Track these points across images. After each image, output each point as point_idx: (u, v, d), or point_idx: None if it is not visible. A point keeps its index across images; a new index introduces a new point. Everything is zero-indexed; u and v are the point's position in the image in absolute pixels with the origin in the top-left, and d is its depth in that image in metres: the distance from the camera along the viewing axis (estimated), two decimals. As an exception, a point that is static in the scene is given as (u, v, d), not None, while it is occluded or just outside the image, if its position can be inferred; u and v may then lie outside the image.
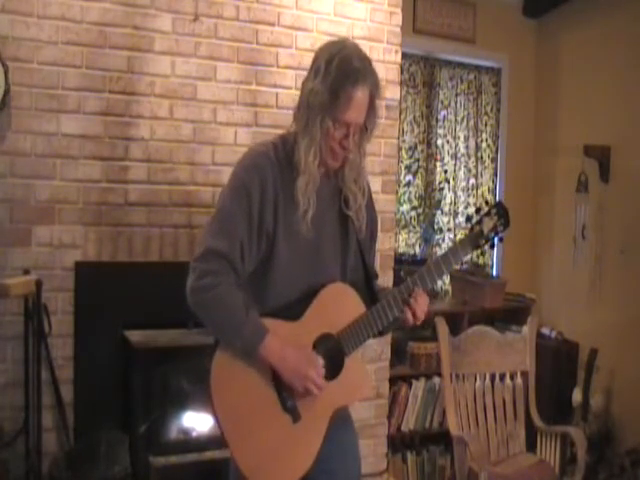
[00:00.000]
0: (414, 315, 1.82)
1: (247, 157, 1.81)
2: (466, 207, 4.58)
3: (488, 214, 1.89)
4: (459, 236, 4.48)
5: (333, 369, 1.79)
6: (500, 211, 1.89)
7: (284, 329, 1.74)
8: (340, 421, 1.87)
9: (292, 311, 1.77)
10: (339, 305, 1.82)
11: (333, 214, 1.86)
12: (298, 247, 1.78)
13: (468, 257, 4.47)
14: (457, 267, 4.28)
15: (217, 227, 1.74)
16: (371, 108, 1.77)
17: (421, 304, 1.82)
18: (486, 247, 1.92)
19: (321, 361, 1.76)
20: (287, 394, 1.75)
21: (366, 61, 1.75)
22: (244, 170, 1.77)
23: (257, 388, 1.74)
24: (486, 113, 4.66)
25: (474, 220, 1.89)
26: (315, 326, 1.78)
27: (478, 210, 1.91)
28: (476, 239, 1.88)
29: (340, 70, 1.69)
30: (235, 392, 1.74)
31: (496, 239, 1.91)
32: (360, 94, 1.71)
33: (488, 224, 1.88)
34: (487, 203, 1.93)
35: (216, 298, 1.69)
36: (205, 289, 1.69)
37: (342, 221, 1.87)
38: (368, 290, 1.90)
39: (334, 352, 1.79)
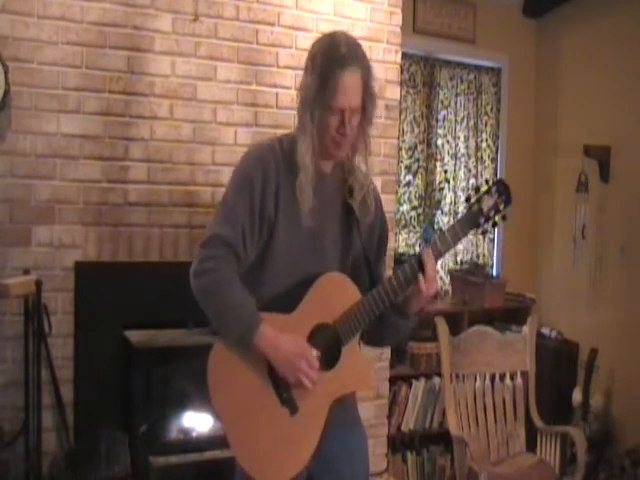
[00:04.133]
0: (425, 275, 1.76)
1: (253, 151, 1.85)
2: (466, 207, 4.57)
3: (488, 192, 1.82)
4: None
5: (330, 359, 1.78)
6: (501, 188, 1.82)
7: (280, 322, 1.74)
8: (350, 422, 1.88)
9: (288, 301, 1.76)
10: (335, 294, 1.80)
11: (336, 209, 1.86)
12: (297, 239, 1.79)
13: (461, 248, 4.48)
14: (449, 257, 4.29)
15: (221, 215, 1.78)
16: (366, 91, 1.76)
17: (432, 262, 1.78)
18: (488, 226, 1.83)
19: (315, 353, 1.74)
20: (283, 387, 1.75)
21: (353, 46, 1.74)
22: (249, 161, 1.81)
23: (254, 382, 1.74)
24: (486, 113, 4.66)
25: (473, 199, 1.82)
26: (311, 316, 1.78)
27: (477, 189, 1.84)
28: (475, 218, 1.81)
29: (326, 59, 1.70)
30: (232, 387, 1.74)
31: (498, 218, 1.83)
32: (348, 78, 1.70)
33: (488, 202, 1.81)
34: (487, 182, 1.87)
35: (216, 282, 1.71)
36: (206, 273, 1.71)
37: (345, 217, 1.87)
38: (371, 287, 1.86)
39: (331, 342, 1.78)
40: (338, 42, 1.73)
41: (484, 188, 1.83)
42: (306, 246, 1.80)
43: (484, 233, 1.89)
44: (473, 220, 1.82)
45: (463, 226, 1.82)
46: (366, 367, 1.90)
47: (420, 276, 1.77)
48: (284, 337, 1.72)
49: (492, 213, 1.82)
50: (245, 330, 1.69)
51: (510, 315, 4.32)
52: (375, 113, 1.82)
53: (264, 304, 1.75)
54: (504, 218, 1.85)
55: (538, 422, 3.23)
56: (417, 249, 4.39)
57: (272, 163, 1.77)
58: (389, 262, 3.44)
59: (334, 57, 1.70)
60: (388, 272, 3.38)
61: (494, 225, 1.85)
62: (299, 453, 1.76)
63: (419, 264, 1.78)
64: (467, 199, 1.85)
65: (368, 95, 1.77)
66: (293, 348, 1.72)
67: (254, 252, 1.77)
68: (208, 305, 1.74)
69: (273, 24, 3.15)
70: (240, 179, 1.79)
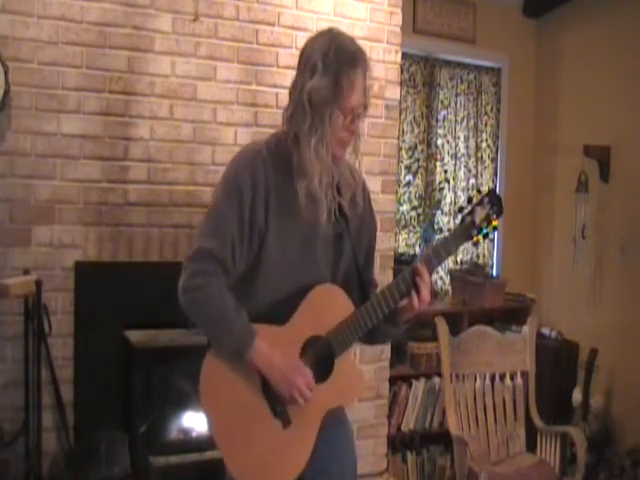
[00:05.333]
0: (419, 294, 1.77)
1: (240, 156, 1.80)
2: (466, 207, 4.57)
3: (480, 203, 1.84)
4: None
5: (323, 371, 1.78)
6: (493, 199, 1.84)
7: (273, 334, 1.72)
8: (335, 421, 1.86)
9: (280, 312, 1.75)
10: (328, 306, 1.80)
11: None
12: (289, 248, 1.77)
13: (461, 248, 4.48)
14: (449, 260, 4.28)
15: (209, 227, 1.74)
16: (367, 87, 1.76)
17: (426, 281, 1.77)
18: (480, 237, 1.85)
19: (309, 373, 1.73)
20: (276, 399, 1.73)
21: (355, 41, 1.76)
22: (236, 169, 1.76)
23: (246, 393, 1.73)
24: (486, 113, 4.66)
25: (466, 210, 1.85)
26: (304, 328, 1.77)
27: (470, 200, 1.86)
28: (468, 230, 1.84)
29: (339, 59, 1.69)
30: (224, 398, 1.73)
31: (490, 229, 1.85)
32: (360, 76, 1.72)
33: (480, 214, 1.83)
34: (479, 192, 1.88)
35: (206, 298, 1.68)
36: (196, 289, 1.68)
37: (336, 217, 1.84)
38: (362, 297, 1.87)
39: (324, 354, 1.77)
40: (343, 40, 1.73)
41: (476, 199, 1.85)
42: (298, 255, 1.78)
43: (476, 244, 1.90)
44: (466, 233, 1.85)
45: (457, 240, 1.85)
46: (359, 378, 1.90)
47: (414, 294, 1.78)
48: (279, 352, 1.71)
49: (484, 225, 1.85)
50: (239, 345, 1.68)
51: (510, 315, 4.31)
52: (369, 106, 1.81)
53: (257, 314, 1.73)
54: (495, 229, 1.86)
55: (538, 422, 3.23)
56: (417, 249, 4.39)
57: (261, 171, 1.73)
58: (389, 262, 3.45)
59: (346, 57, 1.70)
60: (387, 272, 3.40)
61: (485, 237, 1.87)
62: (291, 465, 1.75)
63: (414, 280, 1.78)
64: (459, 210, 1.87)
65: (367, 88, 1.77)
66: (288, 363, 1.71)
67: (243, 263, 1.74)
68: (199, 321, 1.73)
69: (273, 24, 3.15)
70: (228, 188, 1.74)
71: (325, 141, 1.71)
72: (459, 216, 1.86)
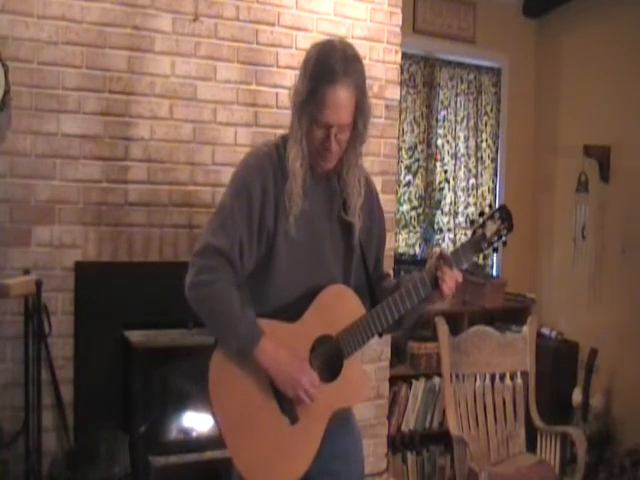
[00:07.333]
0: (444, 286, 1.78)
1: (250, 157, 1.81)
2: (466, 207, 4.58)
3: (491, 218, 1.86)
4: (459, 236, 4.48)
5: (332, 371, 1.78)
6: (504, 215, 1.87)
7: (282, 330, 1.74)
8: (342, 422, 1.87)
9: (291, 312, 1.76)
10: (338, 307, 1.81)
11: (333, 215, 1.84)
12: (297, 248, 1.77)
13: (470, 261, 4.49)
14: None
15: (217, 224, 1.74)
16: (358, 108, 1.71)
17: (450, 278, 1.79)
18: (489, 251, 1.88)
19: (314, 372, 1.74)
20: (284, 396, 1.74)
21: (349, 61, 1.69)
22: (246, 170, 1.77)
23: (255, 389, 1.74)
24: (486, 113, 4.66)
25: (477, 224, 1.87)
26: (314, 328, 1.78)
27: (481, 214, 1.89)
28: (478, 243, 1.86)
29: (316, 69, 1.67)
30: (233, 393, 1.74)
31: (499, 243, 1.88)
32: (339, 94, 1.66)
33: (491, 228, 1.85)
34: (491, 207, 1.92)
35: (213, 294, 1.69)
36: (203, 285, 1.69)
37: (344, 222, 1.85)
38: (370, 294, 1.88)
39: (333, 354, 1.79)
40: (333, 54, 1.68)
41: (487, 213, 1.87)
42: (307, 256, 1.79)
43: (485, 257, 1.93)
44: (476, 246, 1.86)
45: (467, 252, 1.86)
46: (365, 381, 1.90)
47: (442, 283, 1.78)
48: (284, 351, 1.71)
49: (495, 239, 1.87)
50: (245, 344, 1.68)
51: (510, 315, 4.32)
52: (368, 131, 1.77)
53: (268, 312, 1.74)
54: (505, 244, 1.89)
55: (538, 422, 3.23)
56: (417, 249, 4.39)
57: (270, 173, 1.74)
58: (389, 262, 3.45)
59: (326, 70, 1.66)
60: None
61: (495, 250, 1.90)
62: (297, 462, 1.76)
63: (436, 276, 1.79)
64: (471, 223, 1.90)
65: (360, 112, 1.72)
66: (294, 363, 1.72)
67: (252, 262, 1.75)
68: (206, 317, 1.73)
69: (273, 24, 3.15)
70: (238, 189, 1.74)
71: (296, 145, 1.71)
72: (471, 228, 1.89)
